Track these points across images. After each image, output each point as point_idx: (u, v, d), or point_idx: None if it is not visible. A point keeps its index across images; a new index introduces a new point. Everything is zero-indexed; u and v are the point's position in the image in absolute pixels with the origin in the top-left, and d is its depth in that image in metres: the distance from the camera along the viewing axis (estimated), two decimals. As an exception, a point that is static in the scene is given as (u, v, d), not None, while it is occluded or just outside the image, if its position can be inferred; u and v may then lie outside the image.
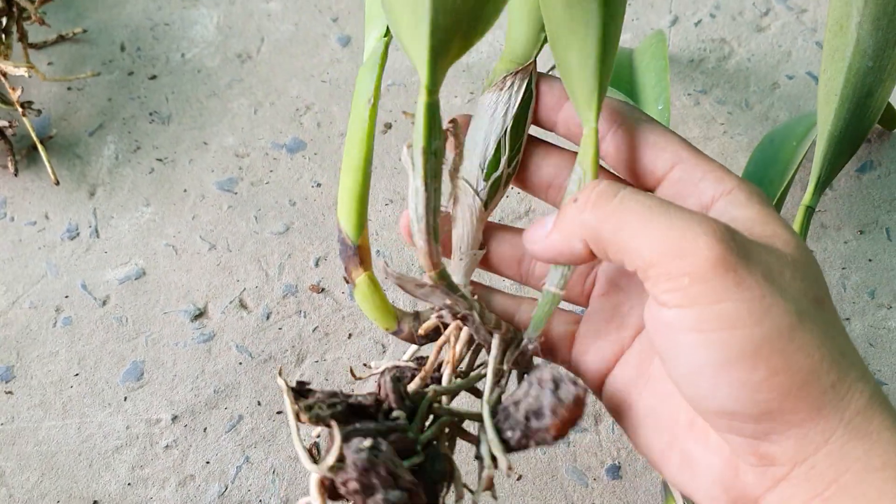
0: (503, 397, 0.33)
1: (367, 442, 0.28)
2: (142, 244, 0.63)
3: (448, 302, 0.35)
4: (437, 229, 0.34)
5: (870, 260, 0.63)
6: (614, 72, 0.55)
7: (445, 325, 0.36)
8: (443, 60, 0.32)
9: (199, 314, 0.60)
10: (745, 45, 0.73)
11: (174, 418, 0.56)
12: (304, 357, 0.58)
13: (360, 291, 0.38)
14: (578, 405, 0.30)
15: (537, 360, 0.37)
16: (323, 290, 0.61)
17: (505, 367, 0.35)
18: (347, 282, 0.39)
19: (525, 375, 0.34)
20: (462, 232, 0.38)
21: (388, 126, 0.68)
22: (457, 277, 0.38)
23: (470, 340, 0.36)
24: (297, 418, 0.29)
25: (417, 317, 0.38)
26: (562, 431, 0.30)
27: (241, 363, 0.58)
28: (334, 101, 0.69)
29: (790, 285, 0.28)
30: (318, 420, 0.29)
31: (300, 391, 0.31)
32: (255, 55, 0.72)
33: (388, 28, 0.35)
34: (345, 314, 0.60)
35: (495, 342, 0.35)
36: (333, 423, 0.29)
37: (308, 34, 0.73)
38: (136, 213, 0.64)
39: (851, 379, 0.28)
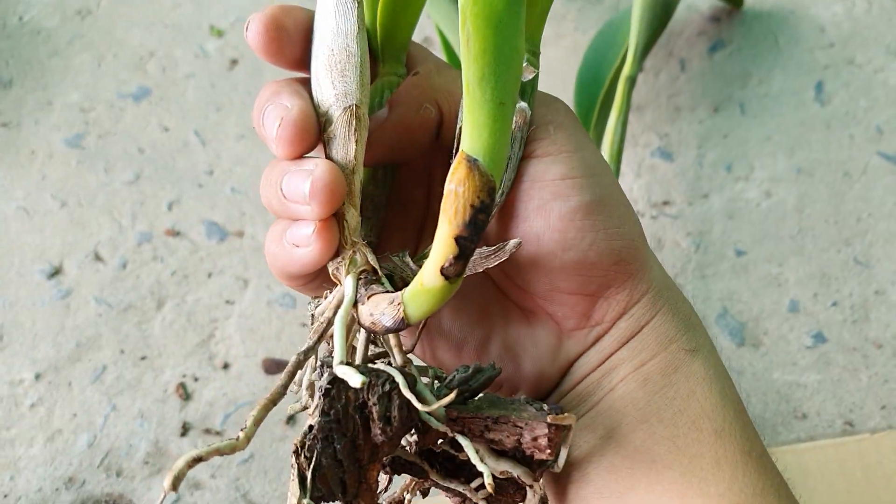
0: None
1: None
2: (-8, 210, 0.61)
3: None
4: None
5: (725, 136, 0.63)
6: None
7: None
8: None
9: (55, 272, 0.59)
10: (590, -59, 0.72)
11: (37, 376, 0.56)
12: (165, 301, 0.58)
13: (449, 285, 0.27)
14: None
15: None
16: (178, 233, 0.60)
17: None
18: (455, 266, 0.26)
19: None
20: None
21: (234, 62, 0.67)
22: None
23: None
24: None
25: None
26: None
27: (100, 315, 0.57)
28: (177, 45, 0.68)
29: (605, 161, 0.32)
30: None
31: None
32: (96, 9, 0.70)
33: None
34: (203, 255, 0.59)
35: None
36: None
37: (147, -19, 0.71)
38: (-16, 180, 0.63)
39: (649, 248, 0.32)
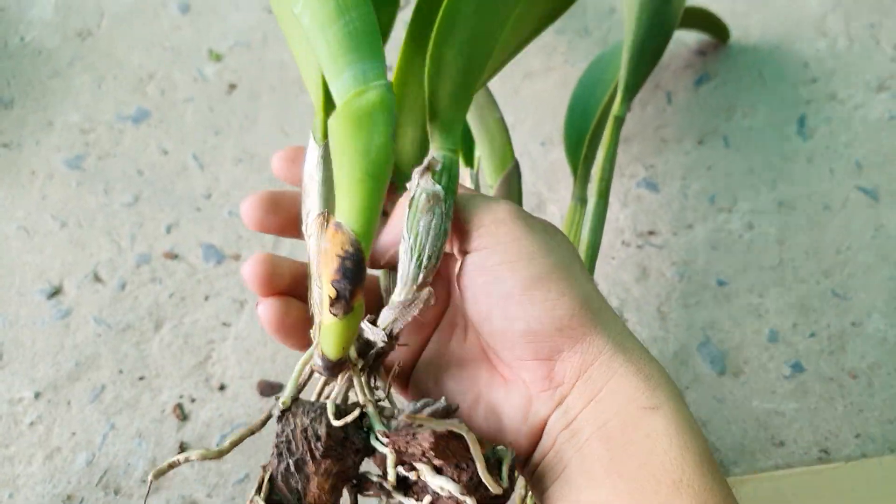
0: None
1: None
2: (-8, 230, 0.63)
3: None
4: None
5: (709, 168, 0.65)
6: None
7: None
8: None
9: (55, 292, 0.60)
10: (582, -27, 0.74)
11: (37, 395, 0.57)
12: (163, 323, 0.59)
13: (354, 316, 0.33)
14: None
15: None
16: (176, 255, 0.61)
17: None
18: (336, 306, 0.33)
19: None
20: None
21: (233, 86, 0.68)
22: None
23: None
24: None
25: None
26: None
27: (99, 335, 0.59)
28: (177, 68, 0.69)
29: (559, 243, 0.37)
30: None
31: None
32: (96, 31, 0.71)
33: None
34: (200, 277, 0.61)
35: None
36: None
37: (147, 4, 0.72)
38: (-15, 199, 0.64)
39: (610, 311, 0.36)
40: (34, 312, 0.59)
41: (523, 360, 0.35)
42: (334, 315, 0.32)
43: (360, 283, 0.32)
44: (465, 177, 0.55)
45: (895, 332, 0.58)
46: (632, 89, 0.53)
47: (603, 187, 0.51)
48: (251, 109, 0.68)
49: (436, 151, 0.38)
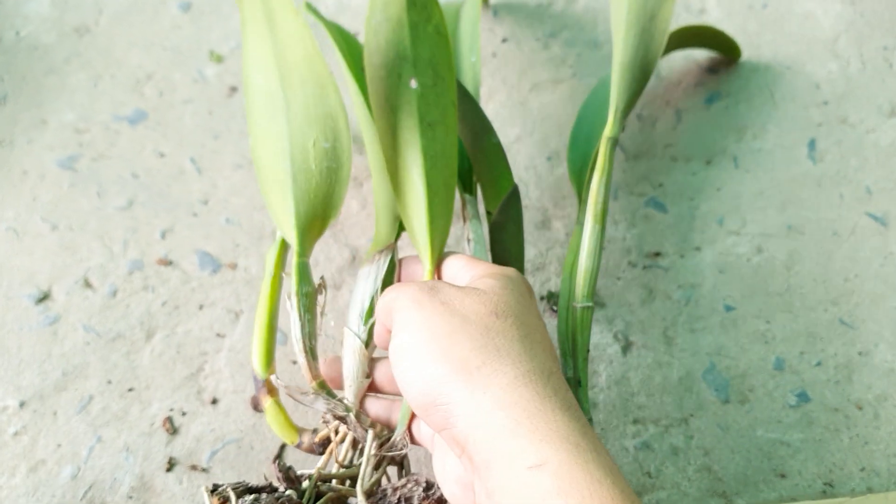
0: (385, 483, 0.44)
1: (252, 496, 0.40)
2: (-19, 230, 0.61)
3: (328, 406, 0.44)
4: (314, 349, 0.45)
5: (718, 189, 0.64)
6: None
7: (336, 433, 0.46)
8: (308, 237, 0.47)
9: (44, 297, 0.58)
10: (592, -15, 0.73)
11: (22, 404, 0.55)
12: (154, 332, 0.57)
13: (269, 414, 0.47)
14: (441, 503, 0.42)
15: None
16: (170, 262, 0.60)
17: (378, 456, 0.45)
18: (256, 409, 0.49)
19: (406, 473, 0.45)
20: (350, 365, 0.47)
21: (234, 89, 0.66)
22: (349, 400, 0.47)
23: (354, 442, 0.46)
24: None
25: (315, 432, 0.47)
26: None
27: (88, 343, 0.57)
28: (176, 68, 0.67)
29: (465, 306, 0.38)
30: (224, 499, 0.40)
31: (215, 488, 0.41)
32: (94, 27, 0.69)
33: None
34: (194, 286, 0.59)
35: (369, 437, 0.44)
36: (231, 492, 0.40)
37: (147, 1, 0.71)
38: (-26, 198, 0.62)
39: (497, 364, 0.36)
40: (21, 318, 0.58)
41: (438, 432, 0.37)
42: (258, 411, 0.48)
43: (259, 392, 0.47)
44: (466, 206, 0.53)
45: (904, 365, 0.57)
46: (623, 109, 0.52)
47: (599, 212, 0.49)
48: (251, 114, 0.66)
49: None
